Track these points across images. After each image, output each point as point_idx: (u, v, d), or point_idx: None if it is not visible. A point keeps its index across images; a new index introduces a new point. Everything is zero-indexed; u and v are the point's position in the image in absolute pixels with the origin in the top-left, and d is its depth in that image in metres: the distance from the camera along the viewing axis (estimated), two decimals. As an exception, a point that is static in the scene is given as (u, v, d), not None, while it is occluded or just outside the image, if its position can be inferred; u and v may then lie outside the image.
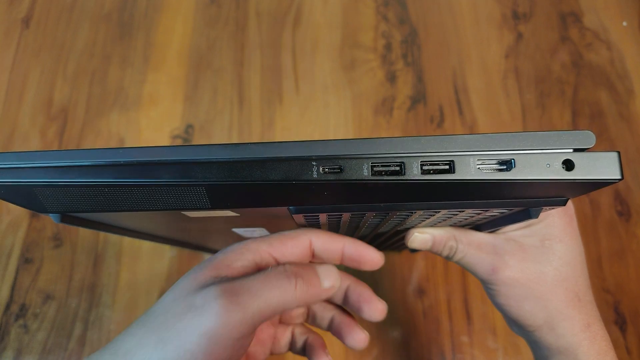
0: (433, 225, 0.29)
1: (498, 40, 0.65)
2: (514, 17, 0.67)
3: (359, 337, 0.27)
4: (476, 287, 0.53)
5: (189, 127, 0.61)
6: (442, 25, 0.66)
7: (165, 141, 0.60)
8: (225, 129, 0.61)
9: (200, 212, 0.22)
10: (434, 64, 0.64)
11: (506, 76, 0.63)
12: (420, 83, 0.63)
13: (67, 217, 0.23)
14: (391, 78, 0.63)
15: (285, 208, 0.21)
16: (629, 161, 0.58)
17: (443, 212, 0.23)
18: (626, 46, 0.64)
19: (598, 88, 0.62)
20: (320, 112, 0.62)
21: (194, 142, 0.60)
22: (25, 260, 0.54)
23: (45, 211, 0.22)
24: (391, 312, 0.23)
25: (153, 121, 0.61)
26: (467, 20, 0.66)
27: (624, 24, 0.65)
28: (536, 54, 0.64)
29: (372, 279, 0.54)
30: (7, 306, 0.52)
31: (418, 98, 0.62)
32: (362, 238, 0.37)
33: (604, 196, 0.57)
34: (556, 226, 0.28)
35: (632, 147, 0.59)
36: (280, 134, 0.61)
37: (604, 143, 0.59)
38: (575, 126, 0.60)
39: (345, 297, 0.27)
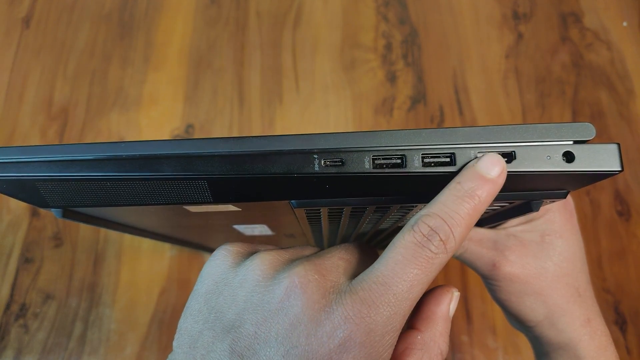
0: None
1: (498, 40, 0.66)
2: (514, 17, 0.67)
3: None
4: (476, 286, 0.53)
5: (189, 127, 0.61)
6: (442, 25, 0.67)
7: (165, 141, 0.60)
8: (226, 128, 0.61)
9: (202, 206, 0.22)
10: (434, 64, 0.64)
11: (506, 76, 0.63)
12: (421, 83, 0.63)
13: (69, 212, 0.23)
14: (391, 78, 0.63)
15: (286, 202, 0.21)
16: (629, 161, 0.58)
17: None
18: (626, 46, 0.64)
19: (598, 88, 0.62)
20: (320, 112, 0.62)
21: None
22: (26, 260, 0.54)
23: (47, 206, 0.22)
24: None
25: (153, 121, 0.61)
26: (467, 20, 0.67)
27: (624, 24, 0.66)
28: (536, 54, 0.65)
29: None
30: (7, 306, 0.52)
31: (418, 98, 0.62)
32: (363, 235, 0.37)
33: (604, 196, 0.57)
34: (556, 222, 0.28)
35: (633, 147, 0.59)
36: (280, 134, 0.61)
37: (604, 142, 0.59)
38: (575, 126, 0.60)
39: None
